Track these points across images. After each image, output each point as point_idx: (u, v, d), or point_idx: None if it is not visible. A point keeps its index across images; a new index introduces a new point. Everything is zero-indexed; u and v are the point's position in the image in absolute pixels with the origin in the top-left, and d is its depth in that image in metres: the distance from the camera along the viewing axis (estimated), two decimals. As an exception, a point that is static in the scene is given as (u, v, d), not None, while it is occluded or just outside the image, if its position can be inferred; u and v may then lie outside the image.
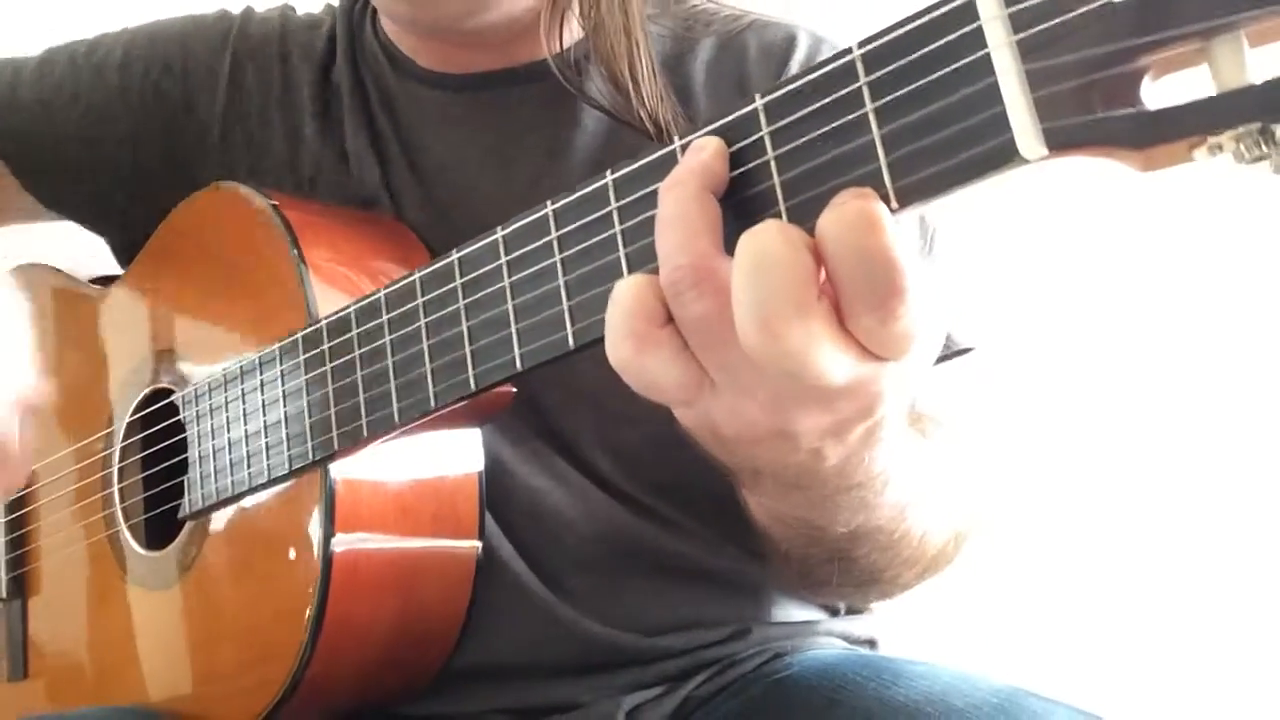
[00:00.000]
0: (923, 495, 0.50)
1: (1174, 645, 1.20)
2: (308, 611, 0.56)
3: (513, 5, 0.64)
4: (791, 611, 0.70)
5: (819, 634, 0.69)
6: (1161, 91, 0.30)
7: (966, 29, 0.31)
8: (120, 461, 0.70)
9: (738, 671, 0.65)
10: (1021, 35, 0.30)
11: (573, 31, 0.66)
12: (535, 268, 0.43)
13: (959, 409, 0.62)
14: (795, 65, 0.66)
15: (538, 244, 0.43)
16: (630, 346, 0.36)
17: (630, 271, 0.40)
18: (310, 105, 0.71)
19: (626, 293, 0.36)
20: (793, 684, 0.62)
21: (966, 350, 0.63)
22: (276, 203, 0.63)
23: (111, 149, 0.74)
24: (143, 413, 0.71)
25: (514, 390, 0.60)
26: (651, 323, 0.36)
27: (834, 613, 0.73)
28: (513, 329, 0.44)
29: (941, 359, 0.59)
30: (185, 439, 0.66)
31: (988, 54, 0.31)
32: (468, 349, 0.46)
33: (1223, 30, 0.28)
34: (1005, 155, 0.30)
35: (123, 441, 0.72)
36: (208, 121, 0.73)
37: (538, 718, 0.63)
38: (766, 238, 0.33)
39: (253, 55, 0.73)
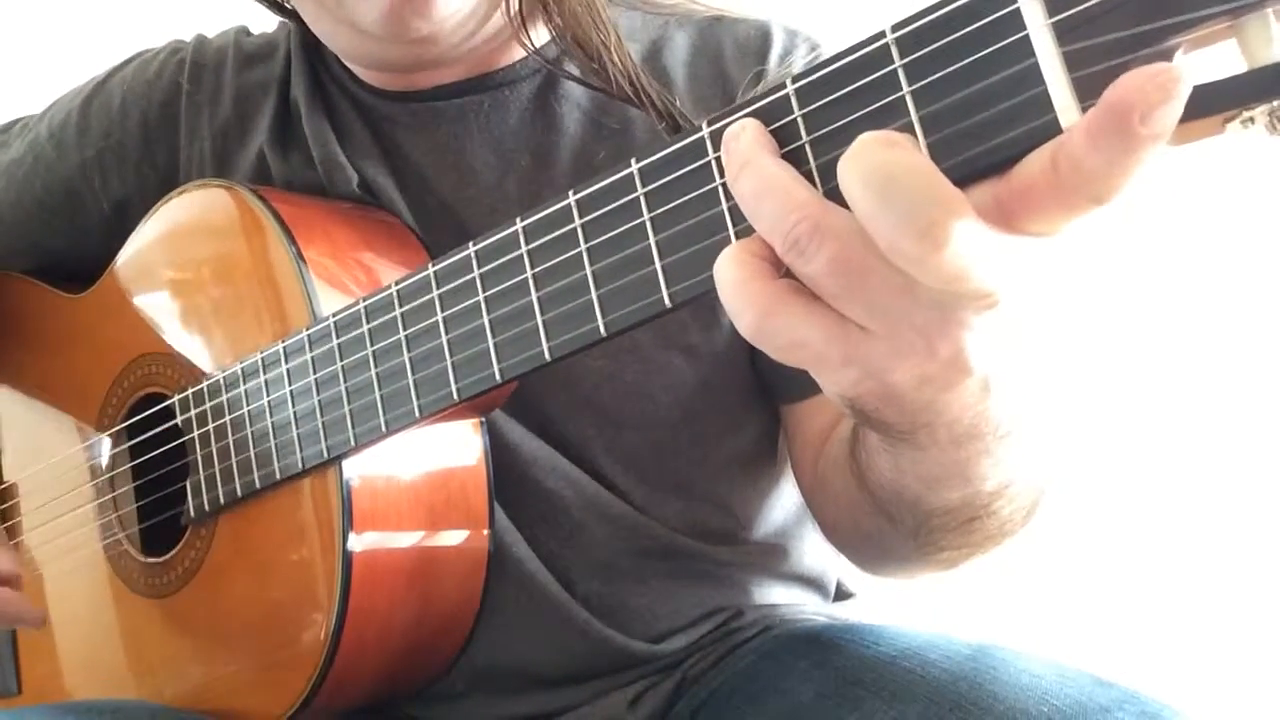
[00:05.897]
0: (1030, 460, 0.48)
1: (1163, 643, 1.23)
2: (331, 607, 0.56)
3: (465, 21, 0.62)
4: (783, 594, 0.71)
5: (806, 615, 0.71)
6: (1192, 65, 0.31)
7: (1003, 11, 0.32)
8: (112, 470, 0.69)
9: (728, 645, 0.67)
10: (1058, 17, 0.31)
11: (537, 36, 0.66)
12: (560, 258, 0.43)
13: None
14: (774, 60, 0.67)
15: (561, 232, 0.43)
16: (754, 310, 0.35)
17: (662, 259, 0.40)
18: (269, 128, 0.69)
19: (729, 261, 0.35)
20: (779, 652, 0.64)
21: None
22: (266, 196, 0.62)
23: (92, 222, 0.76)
24: (130, 420, 0.69)
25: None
26: (766, 278, 0.35)
27: (824, 597, 0.75)
28: (538, 320, 0.44)
29: None
30: (175, 444, 0.65)
31: (1027, 35, 0.32)
32: (490, 342, 0.46)
33: (1251, 9, 0.30)
34: (1047, 133, 0.31)
35: (113, 449, 0.70)
36: (169, 169, 0.73)
37: (546, 717, 0.64)
38: (879, 150, 0.32)
39: (201, 84, 0.73)
